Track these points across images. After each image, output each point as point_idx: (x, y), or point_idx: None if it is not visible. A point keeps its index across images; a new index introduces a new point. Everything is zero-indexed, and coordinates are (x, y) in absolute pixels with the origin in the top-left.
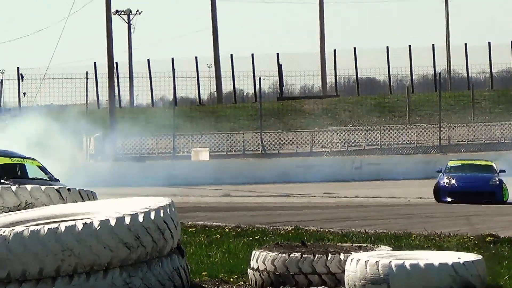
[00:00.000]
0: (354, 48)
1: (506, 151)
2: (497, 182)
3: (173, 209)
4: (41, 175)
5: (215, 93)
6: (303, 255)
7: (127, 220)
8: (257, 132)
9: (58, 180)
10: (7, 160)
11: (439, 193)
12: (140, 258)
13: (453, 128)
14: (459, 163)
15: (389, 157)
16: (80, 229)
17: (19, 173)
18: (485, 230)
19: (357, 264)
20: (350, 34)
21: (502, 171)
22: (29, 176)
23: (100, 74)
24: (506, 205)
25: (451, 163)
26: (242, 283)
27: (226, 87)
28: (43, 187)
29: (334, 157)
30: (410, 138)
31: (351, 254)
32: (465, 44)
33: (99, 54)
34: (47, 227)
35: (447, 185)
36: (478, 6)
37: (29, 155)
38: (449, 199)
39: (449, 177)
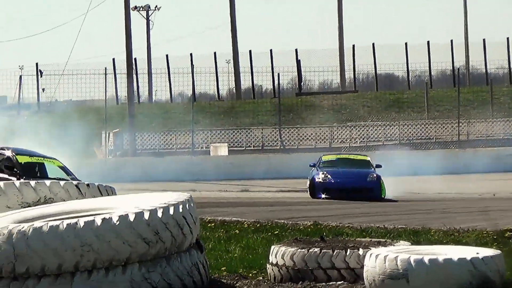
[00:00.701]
0: (373, 44)
1: None
2: (375, 178)
3: (192, 204)
4: (62, 175)
5: (234, 88)
6: (322, 250)
7: (146, 216)
8: (275, 127)
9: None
10: (27, 159)
11: (314, 189)
12: (159, 254)
13: (471, 124)
14: (333, 157)
15: (408, 152)
16: (99, 224)
17: (39, 173)
18: (504, 225)
19: (376, 259)
20: (368, 30)
21: (378, 166)
22: (50, 176)
23: (119, 69)
24: (384, 201)
25: (325, 158)
26: (261, 278)
27: (245, 82)
28: (62, 182)
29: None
30: (428, 134)
31: (370, 249)
32: (484, 40)
33: (117, 50)
34: (66, 222)
35: (322, 180)
36: (496, 2)
37: (47, 151)
38: (324, 196)
39: (325, 172)
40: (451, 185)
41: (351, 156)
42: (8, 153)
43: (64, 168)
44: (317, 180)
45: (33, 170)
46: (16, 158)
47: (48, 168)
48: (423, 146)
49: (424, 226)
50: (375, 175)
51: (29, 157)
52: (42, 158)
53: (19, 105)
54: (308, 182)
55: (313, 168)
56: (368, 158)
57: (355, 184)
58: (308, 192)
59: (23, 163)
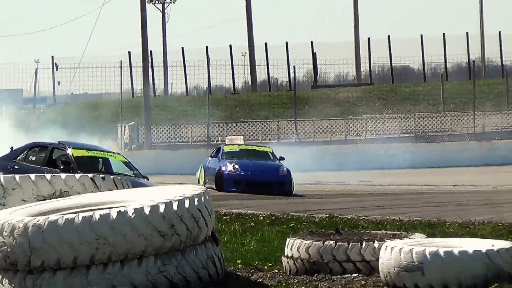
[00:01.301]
0: (388, 37)
1: None
2: (286, 172)
3: (207, 197)
4: (125, 170)
5: (250, 81)
6: (338, 243)
7: (162, 209)
8: (291, 120)
9: (147, 178)
10: (83, 153)
11: (223, 181)
12: (175, 247)
13: (487, 116)
14: (235, 148)
15: (424, 145)
16: (114, 217)
17: (99, 168)
18: None
19: (392, 251)
20: (384, 22)
21: (281, 158)
22: (112, 171)
23: (135, 63)
24: (293, 196)
25: (226, 148)
26: (277, 271)
27: (261, 75)
28: (77, 175)
29: (369, 145)
30: (444, 126)
31: (385, 241)
32: (499, 32)
33: (133, 43)
34: (81, 215)
35: (232, 173)
36: None
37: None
38: (234, 188)
39: (233, 163)
40: (466, 178)
41: (254, 148)
42: (65, 147)
43: (127, 163)
44: (226, 172)
45: (93, 165)
46: (72, 153)
47: (110, 162)
48: (438, 138)
49: (440, 219)
50: (285, 169)
51: (86, 150)
52: (102, 153)
53: (35, 99)
54: (203, 174)
55: (212, 159)
56: (271, 150)
57: (266, 177)
58: (214, 184)
59: (80, 157)
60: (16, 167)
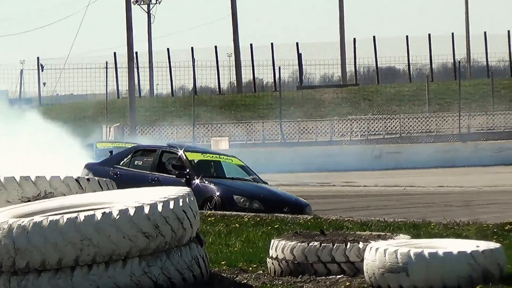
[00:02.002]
0: (374, 37)
1: None
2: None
3: (192, 198)
4: (242, 174)
5: (235, 82)
6: (322, 244)
7: (146, 210)
8: (276, 121)
9: (266, 183)
10: (198, 156)
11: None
12: (159, 248)
13: (472, 117)
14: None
15: (409, 146)
16: (99, 218)
17: (215, 172)
18: (505, 219)
19: (376, 252)
20: (369, 23)
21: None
22: (228, 176)
23: (120, 63)
24: None
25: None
26: (261, 272)
27: (246, 76)
28: (62, 176)
29: (353, 146)
30: (429, 127)
31: (370, 242)
32: (485, 33)
33: (118, 44)
34: (66, 216)
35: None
36: None
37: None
38: None
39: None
40: (452, 179)
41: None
42: (177, 151)
43: (243, 167)
44: None
45: (208, 169)
46: (186, 156)
47: (226, 166)
48: (423, 139)
49: (424, 220)
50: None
51: (201, 154)
52: (217, 156)
53: (20, 99)
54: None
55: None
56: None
57: None
58: None
59: (195, 161)
60: (119, 173)
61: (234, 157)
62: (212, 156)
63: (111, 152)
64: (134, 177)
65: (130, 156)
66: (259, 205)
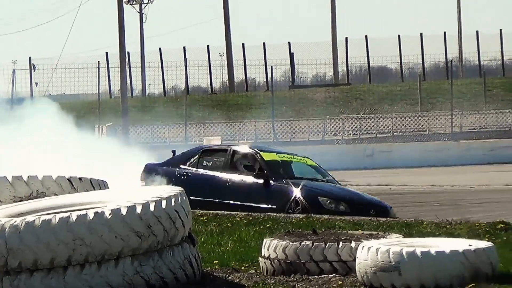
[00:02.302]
0: (366, 37)
1: None
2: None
3: (184, 197)
4: (315, 175)
5: (227, 82)
6: (314, 243)
7: (138, 209)
8: (269, 120)
9: (340, 184)
10: (273, 156)
11: None
12: (151, 247)
13: (464, 116)
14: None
15: (401, 145)
16: (91, 218)
17: (289, 173)
18: (497, 218)
19: (368, 251)
20: (361, 22)
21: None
22: (300, 176)
23: (112, 63)
24: None
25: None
26: (253, 271)
27: (238, 75)
28: (54, 176)
29: (346, 145)
30: (422, 126)
31: (362, 241)
32: (477, 32)
33: (111, 44)
34: (58, 216)
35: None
36: None
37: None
38: None
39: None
40: (444, 178)
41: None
42: (249, 150)
43: (317, 168)
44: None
45: (283, 170)
46: (261, 156)
47: (299, 167)
48: (416, 138)
49: (417, 219)
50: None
51: (276, 154)
52: (292, 156)
53: (12, 100)
54: None
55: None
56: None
57: None
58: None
59: (270, 161)
60: (188, 173)
61: (306, 157)
62: (287, 157)
63: (173, 152)
64: (205, 178)
65: (197, 156)
66: (345, 207)
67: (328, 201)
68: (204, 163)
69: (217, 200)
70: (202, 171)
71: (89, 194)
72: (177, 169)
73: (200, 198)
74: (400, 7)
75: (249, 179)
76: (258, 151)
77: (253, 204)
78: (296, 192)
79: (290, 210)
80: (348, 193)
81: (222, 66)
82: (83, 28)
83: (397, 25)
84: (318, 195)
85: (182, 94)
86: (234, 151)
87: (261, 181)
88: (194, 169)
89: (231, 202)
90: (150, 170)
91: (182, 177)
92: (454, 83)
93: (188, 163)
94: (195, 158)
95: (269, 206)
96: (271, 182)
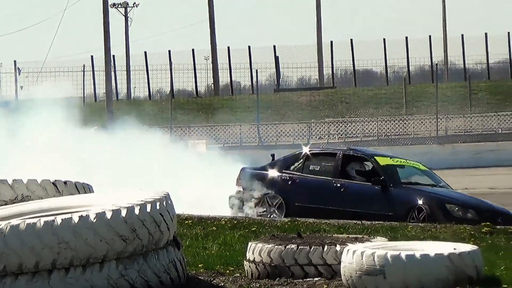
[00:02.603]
0: (351, 40)
1: (503, 142)
2: None
3: (169, 201)
4: (429, 181)
5: (212, 85)
6: (299, 247)
7: (123, 213)
8: (254, 124)
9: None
10: (388, 161)
11: None
12: (136, 251)
13: (450, 119)
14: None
15: (386, 148)
16: (76, 221)
17: (404, 178)
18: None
19: (353, 255)
20: (347, 26)
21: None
22: (420, 182)
23: (97, 67)
24: None
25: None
26: (238, 275)
27: (223, 79)
28: (39, 180)
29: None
30: (407, 129)
31: (347, 245)
32: (462, 35)
33: (96, 47)
34: (43, 220)
35: None
36: None
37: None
38: None
39: None
40: None
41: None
42: (362, 154)
43: (429, 173)
44: None
45: (397, 174)
46: (376, 160)
47: (411, 172)
48: (401, 142)
49: (401, 222)
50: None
51: (390, 159)
52: (404, 161)
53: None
54: None
55: None
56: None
57: None
58: None
59: (386, 167)
60: (293, 178)
61: (419, 163)
62: (400, 161)
63: (272, 155)
64: (314, 183)
65: (302, 160)
66: (473, 215)
67: (456, 208)
68: (311, 167)
69: (329, 207)
70: (310, 176)
71: (74, 198)
72: (280, 174)
73: (309, 205)
74: (385, 11)
75: (364, 185)
76: (373, 155)
77: (370, 212)
78: (420, 199)
79: (412, 218)
80: (475, 200)
81: (207, 69)
82: (69, 31)
83: (382, 29)
84: (445, 202)
85: (167, 98)
86: (345, 155)
87: (378, 187)
88: (300, 174)
89: (346, 209)
90: (247, 175)
91: (287, 182)
92: (439, 87)
93: (292, 168)
94: (299, 162)
95: (388, 213)
96: (390, 188)
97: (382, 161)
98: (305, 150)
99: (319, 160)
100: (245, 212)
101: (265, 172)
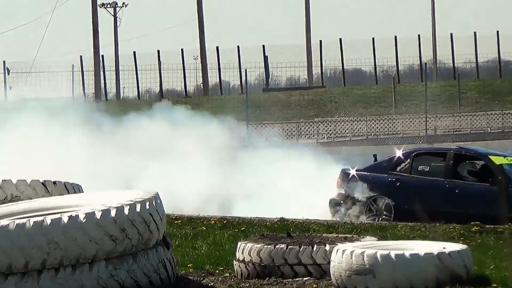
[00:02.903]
0: (340, 39)
1: (492, 141)
2: None
3: (158, 201)
4: None
5: (201, 85)
6: (289, 246)
7: (113, 213)
8: (243, 123)
9: None
10: (502, 160)
11: None
12: (126, 251)
13: (439, 118)
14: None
15: (375, 147)
16: (65, 222)
17: None
18: (471, 220)
19: (343, 254)
20: (336, 25)
21: None
22: None
23: (86, 67)
24: None
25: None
26: (228, 274)
27: (212, 79)
28: (28, 180)
29: (320, 148)
30: (396, 129)
31: (337, 245)
32: (451, 35)
33: (85, 47)
34: (33, 220)
35: None
36: None
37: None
38: None
39: None
40: None
41: None
42: (476, 154)
43: None
44: None
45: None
46: (491, 160)
47: None
48: (390, 141)
49: (391, 221)
50: None
51: (504, 158)
52: None
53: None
54: None
55: None
56: None
57: None
58: None
59: (501, 165)
60: (401, 180)
61: None
62: None
63: (375, 156)
64: (426, 185)
65: (409, 160)
66: None
67: None
68: (420, 168)
69: (441, 209)
70: (419, 177)
71: (64, 198)
72: (387, 175)
73: (420, 208)
74: (374, 10)
75: (480, 185)
76: (486, 154)
77: (488, 214)
78: None
79: None
80: None
81: (196, 69)
82: (57, 31)
83: (371, 28)
84: None
85: (156, 98)
86: (456, 154)
87: (496, 187)
88: (408, 175)
89: (460, 211)
90: (349, 176)
91: (396, 184)
92: (429, 86)
93: (398, 169)
94: (406, 163)
95: (511, 215)
96: (509, 188)
97: (498, 160)
98: (413, 149)
99: (428, 160)
100: (348, 215)
101: (368, 173)
